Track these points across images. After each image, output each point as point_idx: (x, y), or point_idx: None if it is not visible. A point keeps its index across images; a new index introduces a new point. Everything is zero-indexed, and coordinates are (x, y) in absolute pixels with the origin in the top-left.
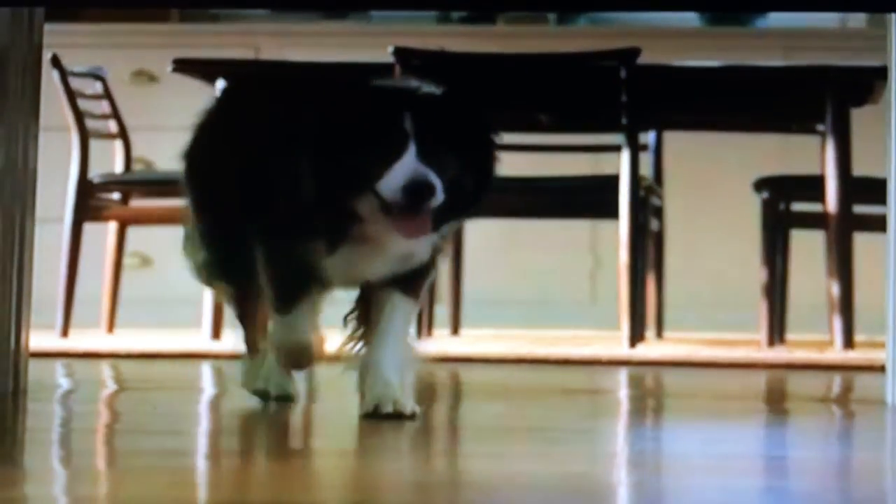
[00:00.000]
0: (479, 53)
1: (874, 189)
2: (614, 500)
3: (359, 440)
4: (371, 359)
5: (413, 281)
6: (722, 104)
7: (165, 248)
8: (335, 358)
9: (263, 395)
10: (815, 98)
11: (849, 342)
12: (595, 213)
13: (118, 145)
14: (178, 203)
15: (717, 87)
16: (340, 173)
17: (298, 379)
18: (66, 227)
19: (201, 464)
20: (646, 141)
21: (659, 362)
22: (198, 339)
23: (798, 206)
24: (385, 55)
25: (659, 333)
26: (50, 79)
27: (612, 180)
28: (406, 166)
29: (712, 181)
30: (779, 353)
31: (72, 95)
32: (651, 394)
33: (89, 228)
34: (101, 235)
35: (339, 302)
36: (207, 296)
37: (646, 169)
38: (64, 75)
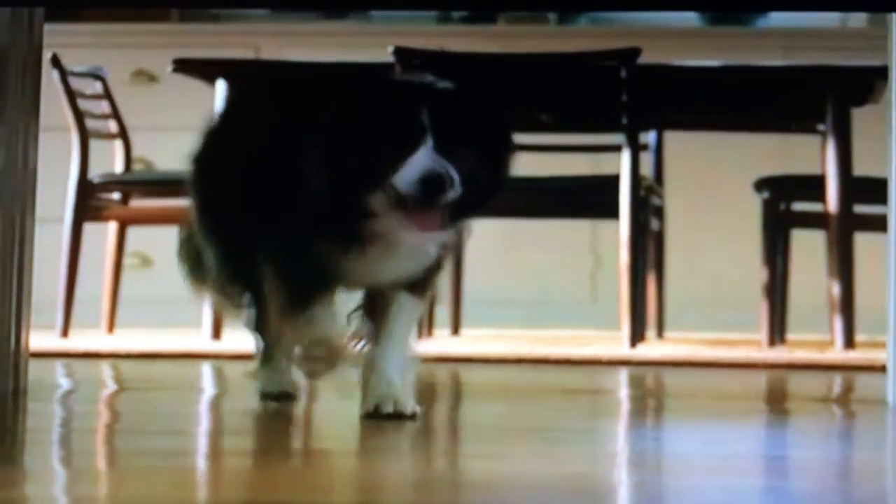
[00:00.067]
0: (479, 53)
1: (875, 189)
2: (615, 500)
3: (359, 440)
4: (374, 358)
5: (420, 280)
6: (722, 104)
7: (166, 248)
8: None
9: (281, 398)
10: (815, 98)
11: (849, 342)
12: (595, 212)
13: (118, 145)
14: (179, 203)
15: (717, 87)
16: (355, 168)
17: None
18: (67, 227)
19: (202, 464)
20: (646, 141)
21: (659, 362)
22: (198, 339)
23: (799, 206)
24: (385, 55)
25: (659, 333)
26: (50, 79)
27: (613, 180)
28: (422, 159)
29: (713, 181)
30: (779, 353)
31: (72, 95)
32: (652, 394)
33: (89, 228)
34: (102, 235)
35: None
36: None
37: (646, 169)
38: (64, 75)
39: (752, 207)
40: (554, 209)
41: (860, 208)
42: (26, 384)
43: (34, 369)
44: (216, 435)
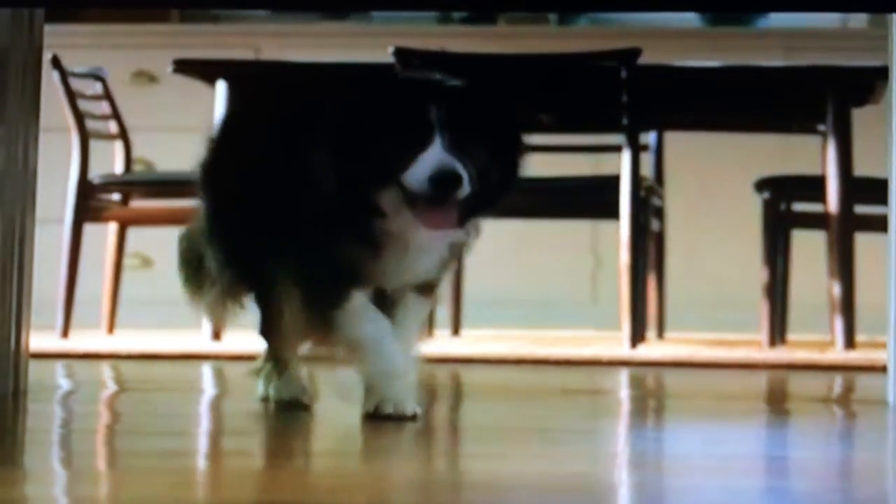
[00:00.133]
0: (479, 54)
1: (875, 189)
2: (615, 501)
3: (360, 441)
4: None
5: (428, 280)
6: (723, 104)
7: (166, 249)
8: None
9: (293, 406)
10: (816, 98)
11: (850, 342)
12: (596, 213)
13: (118, 146)
14: (179, 204)
15: (717, 88)
16: (365, 166)
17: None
18: (67, 228)
19: (202, 465)
20: (646, 141)
21: (660, 363)
22: (198, 340)
23: (799, 207)
24: (386, 56)
25: (660, 334)
26: (50, 79)
27: (613, 181)
28: (433, 156)
29: (713, 181)
30: (780, 354)
31: (72, 96)
32: (652, 394)
33: (89, 229)
34: (102, 236)
35: None
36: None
37: (646, 169)
38: (64, 76)
39: (752, 208)
40: (554, 209)
41: (861, 209)
42: (26, 385)
43: (34, 370)
44: (216, 436)
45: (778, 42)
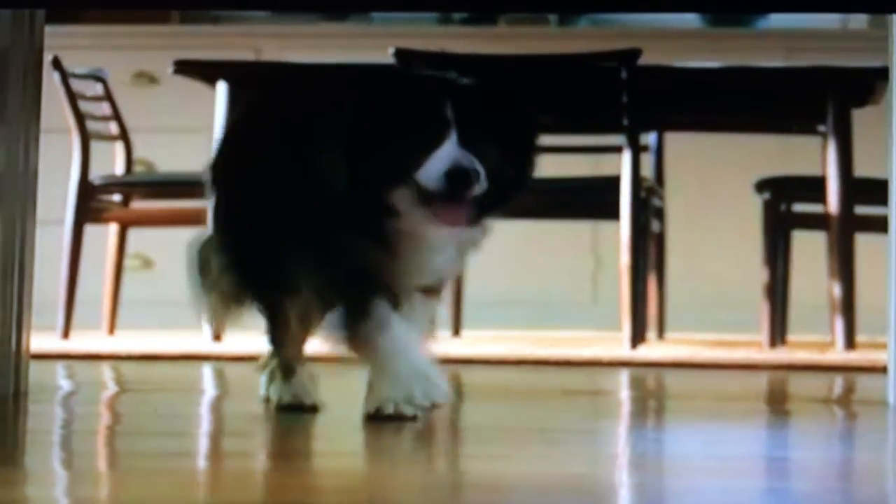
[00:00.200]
0: (480, 54)
1: (876, 190)
2: (616, 502)
3: (360, 442)
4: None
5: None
6: (723, 105)
7: (166, 250)
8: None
9: (293, 408)
10: (816, 99)
11: (850, 343)
12: (596, 214)
13: (119, 147)
14: (180, 205)
15: (718, 88)
16: (378, 164)
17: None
18: (67, 229)
19: (202, 466)
20: (647, 142)
21: (660, 363)
22: (199, 340)
23: (799, 207)
24: (386, 56)
25: (660, 334)
26: (51, 80)
27: (614, 181)
28: (447, 153)
29: (713, 182)
30: (780, 354)
31: (73, 97)
32: (652, 395)
33: (90, 230)
34: (102, 237)
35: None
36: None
37: (647, 170)
38: (65, 77)
39: (752, 208)
40: (555, 210)
41: (861, 209)
42: (27, 386)
43: (35, 371)
44: (217, 437)
45: (778, 43)
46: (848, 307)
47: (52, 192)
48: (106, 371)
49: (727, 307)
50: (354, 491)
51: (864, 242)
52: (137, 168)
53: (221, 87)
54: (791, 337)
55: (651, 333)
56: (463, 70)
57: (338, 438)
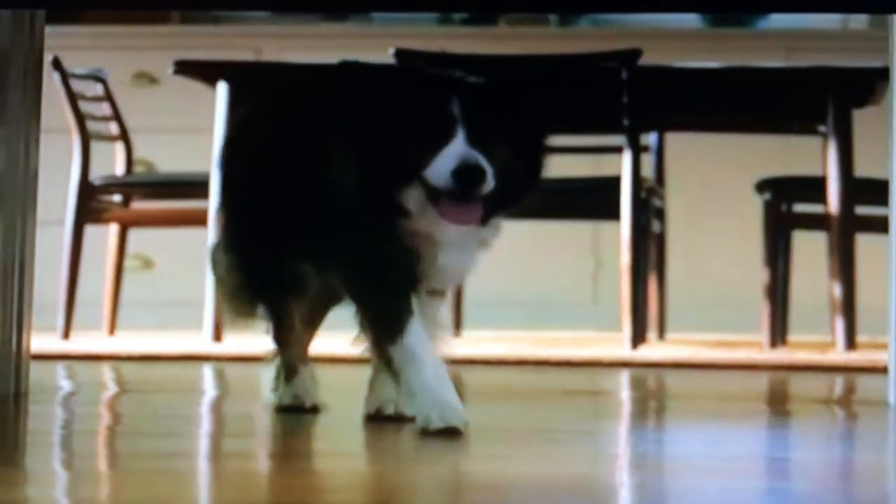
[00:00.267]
0: (480, 55)
1: (876, 190)
2: (616, 502)
3: (361, 442)
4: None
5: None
6: (724, 105)
7: (167, 251)
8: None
9: (294, 410)
10: (816, 99)
11: (851, 343)
12: (597, 214)
13: (119, 147)
14: (180, 205)
15: (718, 89)
16: (386, 163)
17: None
18: (68, 230)
19: (202, 466)
20: (647, 142)
21: (660, 364)
22: (199, 341)
23: (800, 208)
24: (386, 57)
25: (660, 335)
26: (51, 81)
27: (614, 182)
28: (455, 151)
29: (714, 182)
30: (781, 355)
31: (73, 97)
32: (653, 395)
33: (90, 230)
34: (103, 237)
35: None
36: (209, 298)
37: (647, 170)
38: (65, 77)
39: (753, 209)
40: (555, 211)
41: (861, 209)
42: (27, 386)
43: (35, 371)
44: (217, 437)
45: (778, 43)
46: (848, 307)
47: (52, 192)
48: (106, 371)
49: (728, 307)
50: (355, 491)
51: (864, 243)
52: (138, 168)
53: (221, 88)
54: (792, 337)
55: (651, 334)
56: (464, 70)
57: (338, 439)
